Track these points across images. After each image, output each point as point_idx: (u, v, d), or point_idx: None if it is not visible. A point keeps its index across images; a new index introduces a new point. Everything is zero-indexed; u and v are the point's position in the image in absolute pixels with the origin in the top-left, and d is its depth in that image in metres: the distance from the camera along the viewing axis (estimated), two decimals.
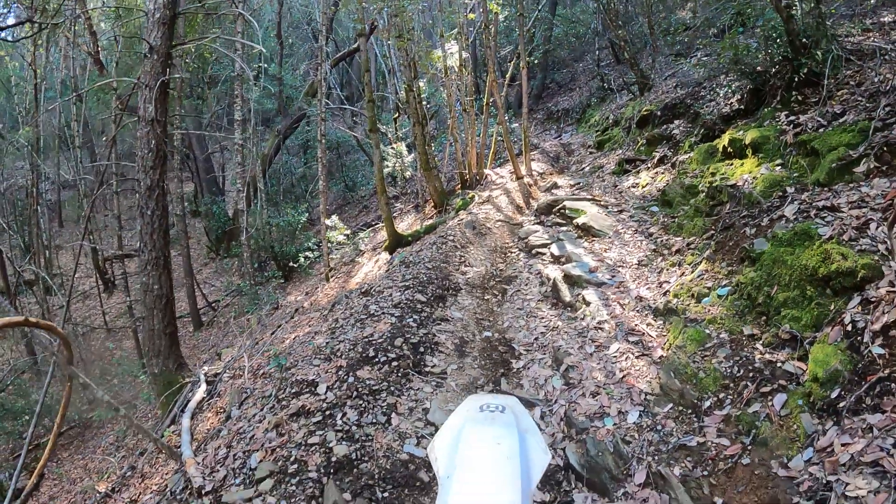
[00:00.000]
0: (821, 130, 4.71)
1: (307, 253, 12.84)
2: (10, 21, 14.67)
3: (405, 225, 11.88)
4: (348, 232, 12.06)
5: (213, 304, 14.07)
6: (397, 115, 16.72)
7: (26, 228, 15.30)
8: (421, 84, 12.95)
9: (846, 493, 2.45)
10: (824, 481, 2.56)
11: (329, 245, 11.12)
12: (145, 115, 7.11)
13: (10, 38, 12.60)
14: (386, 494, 2.90)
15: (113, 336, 14.41)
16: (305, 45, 24.06)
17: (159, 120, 7.20)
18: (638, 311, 4.26)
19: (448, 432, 1.33)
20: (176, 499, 3.98)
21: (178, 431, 5.69)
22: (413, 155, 13.52)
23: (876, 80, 4.97)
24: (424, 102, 12.91)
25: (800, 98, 5.43)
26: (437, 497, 1.13)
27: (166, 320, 7.29)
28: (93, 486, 6.92)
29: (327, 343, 4.50)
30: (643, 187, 6.72)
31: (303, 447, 3.30)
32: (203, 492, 3.69)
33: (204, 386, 6.35)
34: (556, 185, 8.42)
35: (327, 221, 11.09)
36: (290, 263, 13.09)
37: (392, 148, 14.50)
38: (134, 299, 12.36)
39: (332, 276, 10.65)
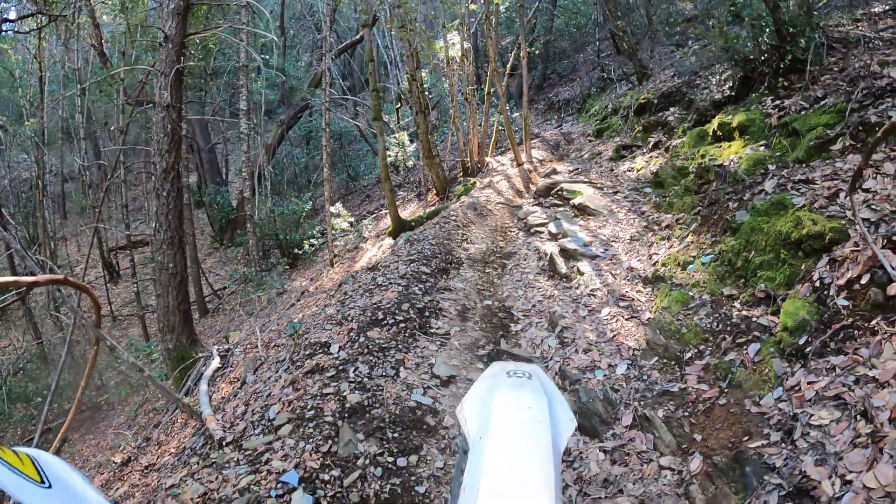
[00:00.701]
0: (803, 113, 5.00)
1: (311, 240, 13.11)
2: (12, 15, 14.88)
3: (408, 213, 12.15)
4: (352, 219, 12.35)
5: (219, 293, 14.35)
6: (399, 105, 16.97)
7: (31, 220, 15.57)
8: (423, 74, 13.21)
9: (810, 423, 2.75)
10: (791, 414, 2.86)
11: (333, 232, 11.41)
12: (161, 101, 7.41)
13: (15, 31, 12.84)
14: (395, 435, 3.21)
15: (119, 325, 14.70)
16: (307, 36, 24.26)
17: (174, 106, 7.50)
18: (628, 279, 4.56)
19: (478, 394, 1.37)
20: (196, 453, 4.27)
21: (194, 400, 5.98)
22: (415, 144, 13.79)
23: (857, 65, 5.25)
24: (427, 92, 13.18)
25: (786, 84, 5.71)
26: (468, 458, 1.16)
27: (180, 297, 7.59)
28: (108, 459, 7.20)
29: (338, 311, 4.81)
30: (638, 171, 7.02)
31: (318, 397, 3.60)
32: (224, 443, 3.99)
33: (217, 359, 6.65)
34: (555, 171, 8.70)
35: (331, 209, 11.38)
36: (295, 250, 13.35)
37: (395, 137, 14.76)
38: (143, 287, 12.67)
39: (336, 262, 10.94)
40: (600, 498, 2.82)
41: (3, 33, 13.51)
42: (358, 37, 16.77)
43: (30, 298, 13.12)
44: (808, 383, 2.95)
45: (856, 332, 3.03)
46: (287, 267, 13.50)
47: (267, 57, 16.84)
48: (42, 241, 13.63)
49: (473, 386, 1.43)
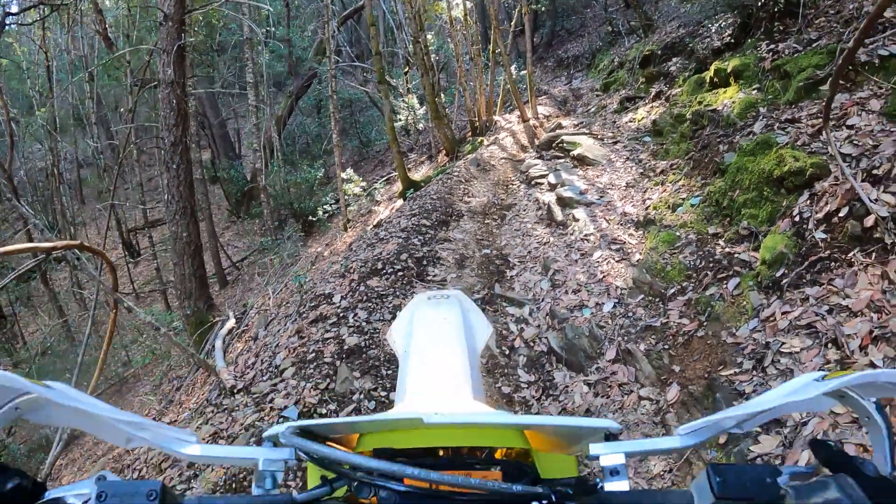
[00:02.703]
0: (795, 55, 4.96)
1: (325, 207, 13.30)
2: (14, 8, 14.95)
3: (420, 175, 12.25)
4: (364, 184, 12.49)
5: (237, 264, 14.69)
6: (407, 69, 16.89)
7: (49, 207, 15.96)
8: (429, 37, 13.16)
9: (781, 350, 2.85)
10: (764, 343, 2.97)
11: (346, 197, 11.58)
12: (165, 77, 7.61)
13: (19, 24, 12.97)
14: (389, 373, 3.41)
15: (142, 302, 15.13)
16: (311, 5, 24.04)
17: (178, 81, 7.69)
18: (621, 224, 4.66)
19: (402, 318, 1.50)
20: (212, 403, 4.54)
21: (210, 359, 6.28)
22: (425, 107, 13.79)
23: (851, 7, 5.18)
24: (433, 55, 13.13)
25: (781, 28, 5.64)
26: (398, 371, 1.31)
27: (195, 265, 7.87)
28: None
29: (342, 265, 5.00)
30: (639, 121, 7.02)
31: (320, 342, 3.81)
32: (235, 390, 4.25)
33: (232, 320, 6.93)
34: (560, 126, 8.70)
35: (342, 174, 11.52)
36: (310, 218, 13.57)
37: (404, 101, 14.76)
38: (163, 264, 13.02)
39: (349, 227, 11.13)
40: None
41: (8, 27, 13.64)
42: (361, 3, 16.61)
43: (53, 282, 13.58)
44: (783, 313, 3.03)
45: (832, 263, 3.09)
46: (302, 234, 13.74)
47: (273, 29, 16.79)
48: (61, 227, 14.00)
49: (400, 313, 1.62)
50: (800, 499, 0.50)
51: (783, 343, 2.89)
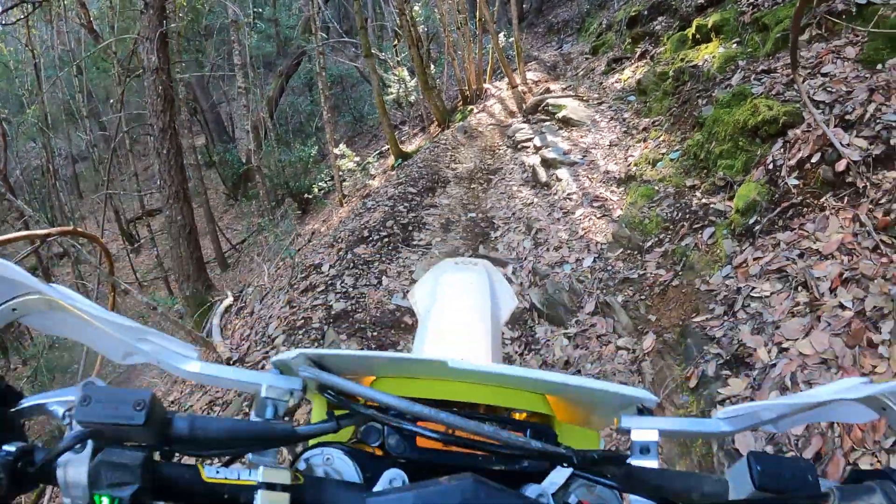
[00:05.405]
0: (774, 7, 4.93)
1: (320, 184, 13.33)
2: None
3: (413, 147, 12.28)
4: (357, 159, 12.49)
5: (237, 246, 14.78)
6: (396, 41, 16.75)
7: (47, 204, 15.98)
8: (416, 8, 13.04)
9: (752, 295, 2.90)
10: (735, 289, 3.03)
11: (340, 173, 11.61)
12: (149, 65, 7.65)
13: (3, 24, 12.82)
14: (375, 334, 3.51)
15: (145, 290, 15.24)
16: None
17: (162, 68, 7.74)
18: (604, 182, 4.70)
19: (426, 280, 1.45)
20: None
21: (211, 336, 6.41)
22: (416, 79, 13.71)
23: None
24: (421, 26, 13.01)
25: None
26: (417, 330, 1.26)
27: (192, 247, 7.97)
28: None
29: (331, 235, 5.09)
30: (625, 81, 7.00)
31: (309, 310, 3.91)
32: (231, 361, 4.36)
33: (230, 298, 7.04)
34: (548, 91, 8.68)
35: (335, 150, 11.53)
36: (306, 196, 13.62)
37: (394, 74, 14.67)
38: (163, 252, 13.11)
39: (345, 202, 11.18)
40: None
41: None
42: None
43: (56, 277, 13.70)
44: (754, 259, 3.08)
45: (804, 209, 3.13)
46: (299, 212, 13.82)
47: (261, 10, 16.62)
48: (60, 223, 14.05)
49: (425, 275, 1.56)
50: (844, 501, 0.47)
51: (753, 288, 2.93)
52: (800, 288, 2.75)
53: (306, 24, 16.80)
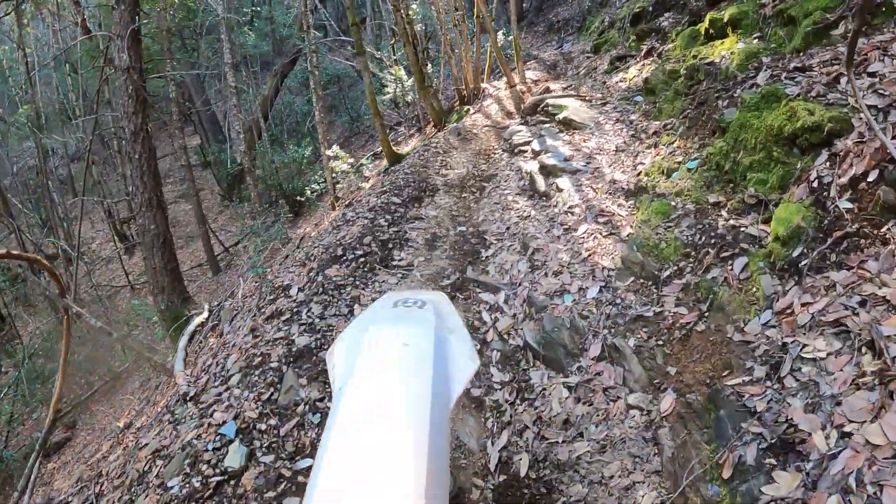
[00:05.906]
0: None
1: (313, 186, 12.89)
2: None
3: (409, 148, 11.82)
4: (351, 160, 12.01)
5: (230, 249, 14.35)
6: (393, 40, 16.29)
7: (41, 205, 15.59)
8: (413, 6, 12.57)
9: (802, 355, 2.29)
10: (780, 344, 2.41)
11: (334, 175, 11.14)
12: (120, 63, 7.24)
13: None
14: None
15: (137, 294, 14.80)
16: None
17: (134, 67, 7.30)
18: (610, 193, 4.15)
19: (350, 334, 1.09)
20: (169, 411, 4.14)
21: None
22: (413, 79, 13.26)
23: None
24: (418, 24, 12.53)
25: None
26: (325, 426, 0.85)
27: (166, 258, 7.47)
28: (113, 424, 7.28)
29: (305, 251, 4.56)
30: (630, 80, 6.47)
31: (270, 343, 3.37)
32: (188, 397, 3.84)
33: (206, 313, 6.52)
34: (548, 90, 8.18)
35: (328, 152, 11.06)
36: (299, 198, 13.20)
37: (390, 73, 14.20)
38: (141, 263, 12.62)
39: (337, 205, 10.69)
40: (557, 443, 2.52)
41: None
42: None
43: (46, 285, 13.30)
44: (802, 305, 2.46)
45: (862, 241, 2.50)
46: (291, 215, 13.38)
47: (259, 8, 16.19)
48: (54, 223, 13.67)
49: (352, 322, 1.17)
50: None
51: (804, 346, 2.31)
52: (864, 349, 2.13)
53: (300, 22, 16.34)
